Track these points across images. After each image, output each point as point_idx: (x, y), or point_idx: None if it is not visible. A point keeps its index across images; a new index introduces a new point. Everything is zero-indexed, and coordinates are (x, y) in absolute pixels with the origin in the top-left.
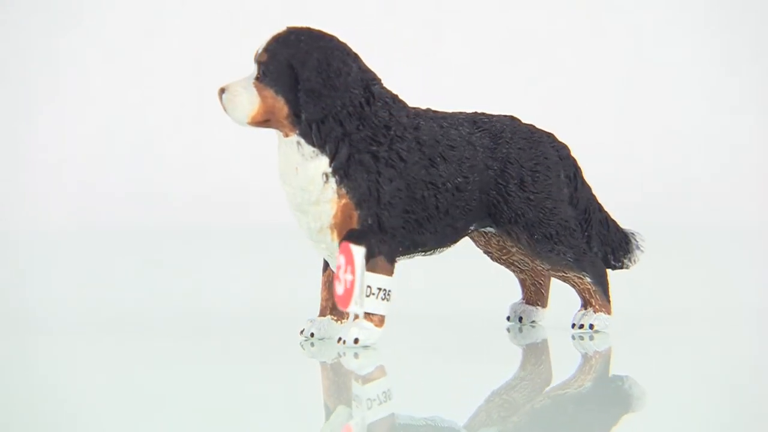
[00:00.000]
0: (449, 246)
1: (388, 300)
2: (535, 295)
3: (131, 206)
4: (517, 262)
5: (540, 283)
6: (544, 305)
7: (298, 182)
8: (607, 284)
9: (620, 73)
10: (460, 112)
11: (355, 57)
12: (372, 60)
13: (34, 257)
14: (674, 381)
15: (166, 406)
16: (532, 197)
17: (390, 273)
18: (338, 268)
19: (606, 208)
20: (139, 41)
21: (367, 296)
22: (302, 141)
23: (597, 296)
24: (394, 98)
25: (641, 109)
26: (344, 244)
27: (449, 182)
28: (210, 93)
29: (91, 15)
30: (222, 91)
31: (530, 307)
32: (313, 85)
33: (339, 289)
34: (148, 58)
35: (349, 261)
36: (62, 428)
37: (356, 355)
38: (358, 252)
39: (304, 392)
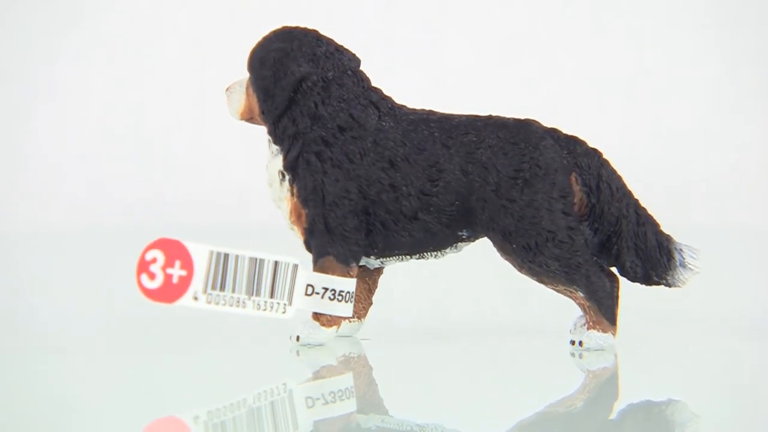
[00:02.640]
0: (438, 251)
1: (341, 300)
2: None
3: (131, 206)
4: None
5: None
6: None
7: (267, 178)
8: (608, 300)
9: (621, 74)
10: (469, 115)
11: (325, 57)
12: (373, 60)
13: (33, 257)
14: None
15: (164, 404)
16: (508, 205)
17: (342, 273)
18: (150, 261)
19: None
20: (139, 41)
21: (308, 295)
22: (270, 138)
23: (591, 312)
24: (365, 100)
25: (642, 109)
26: (166, 240)
27: (412, 185)
28: (210, 93)
29: (91, 15)
30: (227, 88)
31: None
32: (266, 83)
33: (150, 283)
34: (149, 58)
35: (179, 256)
36: (62, 427)
37: (298, 353)
38: (197, 251)
39: (302, 389)
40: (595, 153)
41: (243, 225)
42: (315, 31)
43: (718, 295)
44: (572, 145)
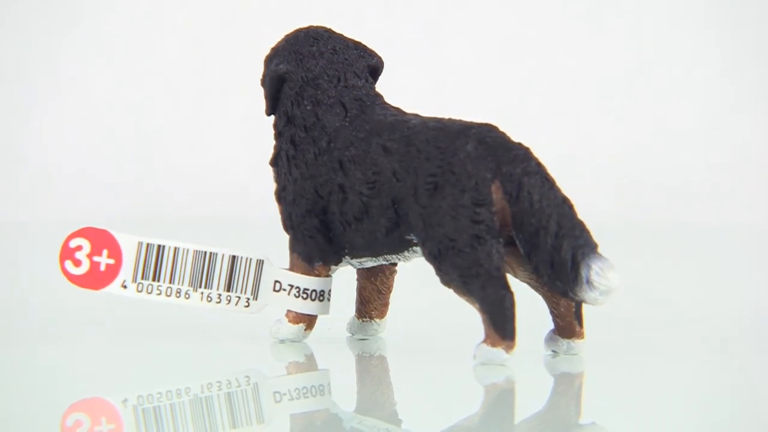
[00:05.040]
0: (396, 254)
1: (306, 298)
2: (554, 321)
3: (130, 202)
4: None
5: (554, 311)
6: (564, 335)
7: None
8: (501, 314)
9: (621, 74)
10: (429, 118)
11: (311, 56)
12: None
13: (34, 252)
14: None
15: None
16: (421, 210)
17: (306, 272)
18: (74, 249)
19: (603, 206)
20: (139, 40)
21: (276, 291)
22: None
23: (485, 325)
24: (335, 100)
25: (641, 108)
26: (92, 228)
27: (356, 187)
28: (210, 93)
29: (92, 15)
30: None
31: (551, 335)
32: (261, 83)
33: (75, 269)
34: (148, 56)
35: (106, 245)
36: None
37: (270, 348)
38: (125, 240)
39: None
40: (524, 160)
41: (243, 223)
42: (324, 30)
43: (716, 297)
44: (502, 152)
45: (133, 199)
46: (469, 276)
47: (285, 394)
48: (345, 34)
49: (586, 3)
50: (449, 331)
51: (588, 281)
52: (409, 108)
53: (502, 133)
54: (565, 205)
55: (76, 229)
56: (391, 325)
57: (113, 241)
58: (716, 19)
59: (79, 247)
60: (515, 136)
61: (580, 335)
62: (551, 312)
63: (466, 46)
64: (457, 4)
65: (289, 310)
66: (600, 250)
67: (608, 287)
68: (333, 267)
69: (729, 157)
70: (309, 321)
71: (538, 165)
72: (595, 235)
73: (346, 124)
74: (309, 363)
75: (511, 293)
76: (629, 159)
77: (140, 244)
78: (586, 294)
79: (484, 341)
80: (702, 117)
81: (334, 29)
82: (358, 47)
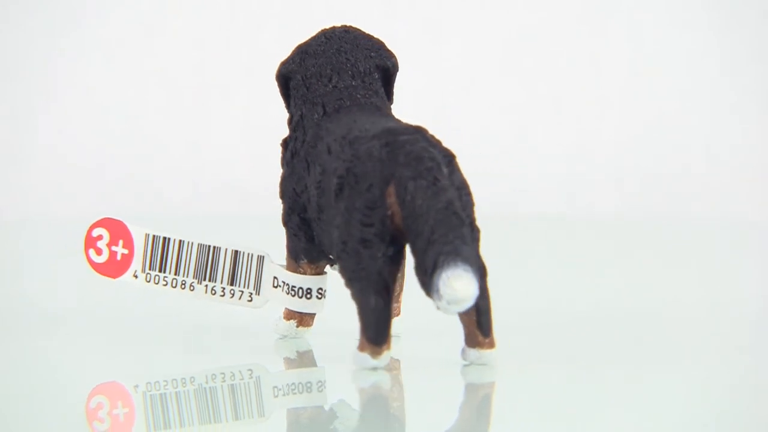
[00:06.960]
0: None
1: (294, 295)
2: (462, 329)
3: (130, 200)
4: None
5: (460, 318)
6: (469, 344)
7: None
8: (368, 319)
9: (621, 73)
10: (381, 119)
11: (314, 56)
12: None
13: (36, 248)
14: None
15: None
16: (332, 211)
17: (293, 269)
18: (96, 238)
19: (603, 204)
20: (139, 39)
21: (274, 287)
22: None
23: (359, 328)
24: (319, 99)
25: (641, 107)
26: (110, 219)
27: (312, 187)
28: (210, 89)
29: (91, 14)
30: None
31: (464, 344)
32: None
33: (97, 258)
34: (149, 55)
35: (122, 236)
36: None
37: (275, 343)
38: (136, 232)
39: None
40: (418, 164)
41: (242, 220)
42: (344, 29)
43: (713, 295)
44: (401, 155)
45: (133, 197)
46: (352, 279)
47: (281, 389)
48: (372, 34)
49: (586, 2)
50: (456, 333)
51: (437, 289)
52: (408, 108)
53: (426, 137)
54: (446, 211)
55: (95, 220)
56: (405, 325)
57: (127, 232)
58: (716, 19)
59: (100, 237)
60: (515, 136)
61: (485, 345)
62: (459, 319)
63: (466, 46)
64: (457, 4)
65: (285, 307)
66: (463, 259)
67: (453, 298)
68: (335, 266)
69: (729, 155)
70: (300, 318)
71: (429, 169)
72: (596, 232)
73: (319, 123)
74: (309, 360)
75: (384, 299)
76: (630, 158)
77: (147, 235)
78: (436, 302)
79: (358, 346)
80: (702, 115)
81: (361, 29)
82: (373, 48)
